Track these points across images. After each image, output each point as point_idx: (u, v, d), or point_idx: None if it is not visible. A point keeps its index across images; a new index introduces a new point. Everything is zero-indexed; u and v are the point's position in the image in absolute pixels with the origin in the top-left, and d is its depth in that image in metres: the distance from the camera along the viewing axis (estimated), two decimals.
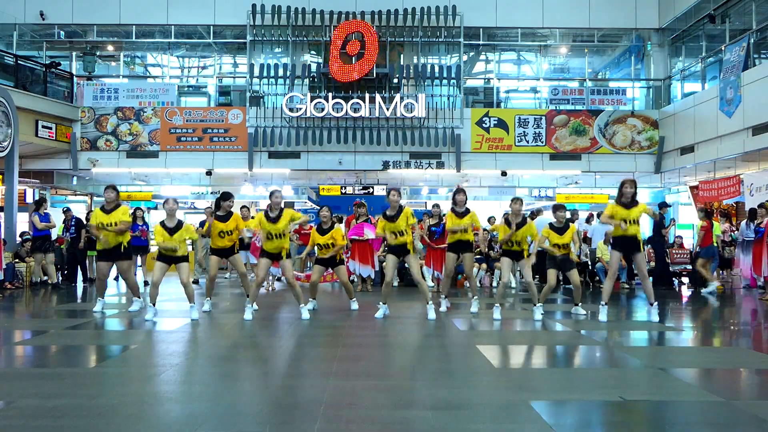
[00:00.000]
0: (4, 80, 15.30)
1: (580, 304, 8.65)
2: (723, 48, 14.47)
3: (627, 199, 7.62)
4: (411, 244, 8.03)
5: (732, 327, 8.24)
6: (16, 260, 12.42)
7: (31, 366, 5.76)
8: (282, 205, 7.98)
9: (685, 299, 11.15)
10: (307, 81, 17.61)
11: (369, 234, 10.90)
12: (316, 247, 8.75)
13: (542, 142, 17.02)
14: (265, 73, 17.19)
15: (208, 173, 17.32)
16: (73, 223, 13.08)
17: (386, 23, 17.15)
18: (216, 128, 17.07)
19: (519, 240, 8.05)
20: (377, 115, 16.55)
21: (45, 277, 12.61)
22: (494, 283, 12.76)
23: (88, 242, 12.52)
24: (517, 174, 18.20)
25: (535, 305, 8.07)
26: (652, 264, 12.29)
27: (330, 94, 16.71)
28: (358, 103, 16.49)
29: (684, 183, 18.23)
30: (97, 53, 18.56)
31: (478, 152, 17.01)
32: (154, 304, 7.89)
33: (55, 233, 13.33)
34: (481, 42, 18.06)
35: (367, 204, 11.78)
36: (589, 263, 12.80)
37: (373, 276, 11.82)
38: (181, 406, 4.27)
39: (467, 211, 8.24)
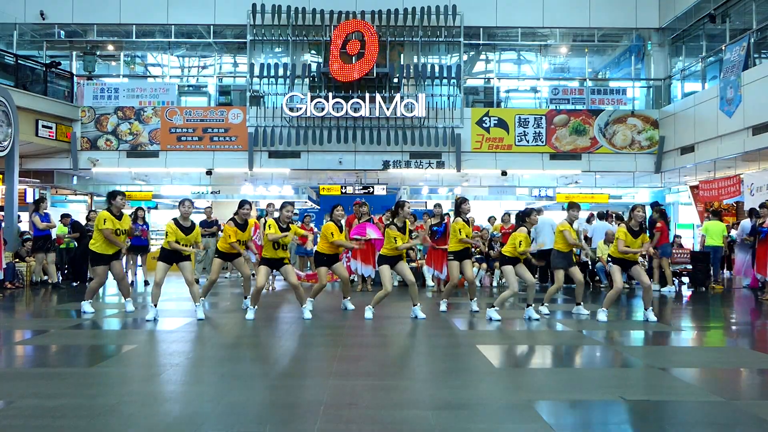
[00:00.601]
0: (5, 80, 15.28)
1: (581, 303, 8.69)
2: (723, 48, 14.45)
3: (636, 225, 8.06)
4: (404, 252, 8.38)
5: (732, 327, 8.24)
6: (17, 260, 12.43)
7: (31, 366, 5.76)
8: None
9: (685, 299, 11.15)
10: (307, 81, 17.59)
11: (371, 234, 10.88)
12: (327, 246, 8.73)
13: (542, 142, 17.01)
14: (265, 73, 17.17)
15: (209, 173, 17.31)
16: (70, 225, 13.25)
17: (386, 23, 17.13)
18: (216, 128, 17.06)
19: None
20: (377, 114, 16.53)
21: (45, 277, 12.63)
22: (494, 283, 12.77)
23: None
24: (518, 174, 18.19)
25: (542, 304, 8.63)
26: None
27: (330, 94, 16.70)
28: (358, 102, 16.48)
29: (684, 183, 18.23)
30: (98, 53, 18.52)
31: (478, 152, 16.99)
32: (155, 305, 7.89)
33: (54, 233, 13.34)
34: (481, 42, 18.04)
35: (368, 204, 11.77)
36: (590, 263, 12.80)
37: (373, 276, 11.82)
38: (181, 406, 4.27)
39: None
